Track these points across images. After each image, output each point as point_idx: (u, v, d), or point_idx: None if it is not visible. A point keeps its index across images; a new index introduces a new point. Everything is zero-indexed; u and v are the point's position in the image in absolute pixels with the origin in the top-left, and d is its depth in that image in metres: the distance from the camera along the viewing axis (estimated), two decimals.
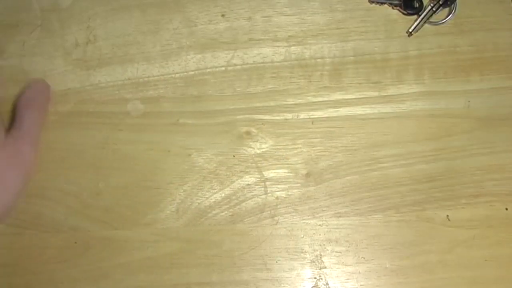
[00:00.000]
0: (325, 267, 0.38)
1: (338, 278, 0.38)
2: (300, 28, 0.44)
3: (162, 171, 0.40)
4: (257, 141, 0.41)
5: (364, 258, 0.38)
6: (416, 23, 0.43)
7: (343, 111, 0.41)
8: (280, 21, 0.44)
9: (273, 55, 0.43)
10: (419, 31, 0.43)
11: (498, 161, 0.40)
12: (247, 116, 0.41)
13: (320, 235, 0.39)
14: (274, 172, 0.40)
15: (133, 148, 0.40)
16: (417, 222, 0.39)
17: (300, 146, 0.41)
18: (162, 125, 0.41)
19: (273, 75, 0.43)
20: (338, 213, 0.39)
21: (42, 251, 0.39)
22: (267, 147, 0.41)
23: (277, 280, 0.38)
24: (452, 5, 0.43)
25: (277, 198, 0.40)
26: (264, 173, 0.39)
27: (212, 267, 0.38)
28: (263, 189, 0.40)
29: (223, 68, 0.43)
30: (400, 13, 0.44)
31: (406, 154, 0.40)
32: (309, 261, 0.38)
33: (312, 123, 0.41)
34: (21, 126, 0.38)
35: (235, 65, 0.43)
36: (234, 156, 0.41)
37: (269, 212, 0.39)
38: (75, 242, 0.39)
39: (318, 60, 0.43)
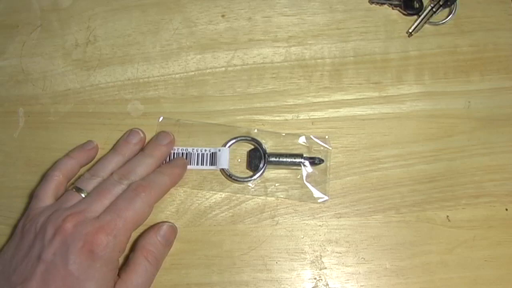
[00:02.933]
0: (325, 268, 0.38)
1: (338, 279, 0.38)
2: (300, 28, 0.44)
3: None
4: None
5: (364, 258, 0.38)
6: (416, 24, 0.43)
7: (343, 111, 0.41)
8: (280, 22, 0.44)
9: (273, 56, 0.43)
10: (419, 32, 0.43)
11: (498, 162, 0.40)
12: (247, 116, 0.41)
13: (320, 235, 0.39)
14: (274, 173, 0.40)
15: None
16: (417, 223, 0.39)
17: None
18: (162, 125, 0.41)
19: (273, 75, 0.43)
20: (338, 213, 0.39)
21: None
22: (267, 147, 0.41)
23: (277, 280, 0.38)
24: (452, 6, 0.43)
25: (277, 198, 0.39)
26: (264, 173, 0.39)
27: (212, 268, 0.38)
28: (263, 189, 0.40)
29: (223, 69, 0.43)
30: (400, 14, 0.44)
31: (406, 154, 0.40)
32: (309, 261, 0.38)
33: (312, 123, 0.41)
34: (135, 278, 0.34)
35: (235, 65, 0.43)
36: (234, 156, 0.41)
37: (269, 212, 0.39)
38: None
39: (318, 60, 0.43)
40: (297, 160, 0.39)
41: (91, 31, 0.44)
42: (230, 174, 0.39)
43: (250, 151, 0.40)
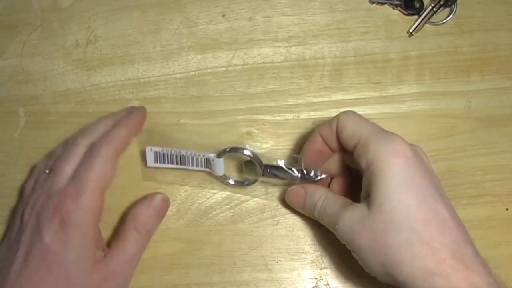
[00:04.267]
0: (326, 268, 0.38)
1: (339, 279, 0.38)
2: (301, 28, 0.44)
3: (163, 171, 0.40)
4: (257, 141, 0.41)
5: None
6: (416, 24, 0.43)
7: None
8: (281, 22, 0.44)
9: (274, 56, 0.43)
10: (419, 32, 0.43)
11: (499, 162, 0.40)
12: (247, 116, 0.41)
13: (321, 235, 0.39)
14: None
15: (133, 148, 0.40)
16: None
17: (300, 146, 0.41)
18: (162, 125, 0.41)
19: (274, 75, 0.43)
20: None
21: None
22: (267, 147, 0.41)
23: (277, 280, 0.38)
24: (453, 6, 0.43)
25: (277, 198, 0.39)
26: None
27: (213, 268, 0.38)
28: (263, 189, 0.40)
29: (224, 69, 0.43)
30: (401, 14, 0.44)
31: None
32: (310, 261, 0.38)
33: (313, 123, 0.41)
34: (124, 251, 0.35)
35: (236, 65, 0.43)
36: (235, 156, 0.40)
37: (269, 212, 0.39)
38: None
39: (319, 60, 0.43)
40: (294, 175, 0.37)
41: (92, 31, 0.44)
42: (226, 180, 0.39)
43: (246, 161, 0.38)
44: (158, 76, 0.43)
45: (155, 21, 0.44)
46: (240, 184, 0.39)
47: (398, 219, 0.28)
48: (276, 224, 0.39)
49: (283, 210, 0.39)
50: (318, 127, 0.35)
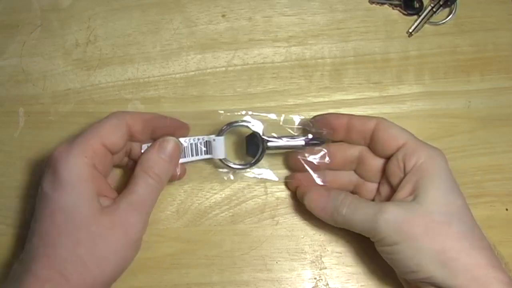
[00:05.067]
0: (326, 268, 0.38)
1: (339, 279, 0.38)
2: (301, 28, 0.44)
3: None
4: None
5: (364, 258, 0.38)
6: (416, 23, 0.43)
7: (344, 111, 0.41)
8: (281, 22, 0.44)
9: (274, 56, 0.43)
10: (419, 31, 0.43)
11: (499, 162, 0.40)
12: (247, 116, 0.41)
13: (320, 235, 0.39)
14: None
15: None
16: None
17: None
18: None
19: (274, 75, 0.43)
20: None
21: None
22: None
23: (277, 280, 0.38)
24: (453, 6, 0.43)
25: (277, 198, 0.39)
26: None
27: (213, 268, 0.38)
28: (263, 189, 0.40)
29: (224, 69, 0.43)
30: (401, 13, 0.44)
31: None
32: (309, 261, 0.38)
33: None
34: (133, 192, 0.33)
35: (236, 65, 0.43)
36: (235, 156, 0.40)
37: (269, 212, 0.39)
38: None
39: (319, 60, 0.43)
40: (298, 142, 0.37)
41: (91, 31, 0.44)
42: (228, 164, 0.38)
43: (247, 136, 0.38)
44: (158, 76, 0.43)
45: (155, 21, 0.44)
46: (244, 166, 0.38)
47: (456, 213, 0.31)
48: (276, 224, 0.39)
49: (282, 210, 0.39)
50: (351, 115, 0.36)
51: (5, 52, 0.44)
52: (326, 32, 0.43)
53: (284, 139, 0.37)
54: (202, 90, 0.42)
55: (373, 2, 0.44)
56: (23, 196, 0.40)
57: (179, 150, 0.36)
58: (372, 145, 0.35)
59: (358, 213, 0.33)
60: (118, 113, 0.34)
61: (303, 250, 0.38)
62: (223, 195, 0.40)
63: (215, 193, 0.40)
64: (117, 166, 0.38)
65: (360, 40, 0.43)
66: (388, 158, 0.35)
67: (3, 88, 0.43)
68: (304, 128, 0.38)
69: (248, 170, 0.39)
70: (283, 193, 0.40)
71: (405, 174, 0.33)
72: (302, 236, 0.39)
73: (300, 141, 0.37)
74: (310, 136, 0.37)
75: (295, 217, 0.39)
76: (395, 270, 0.33)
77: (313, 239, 0.38)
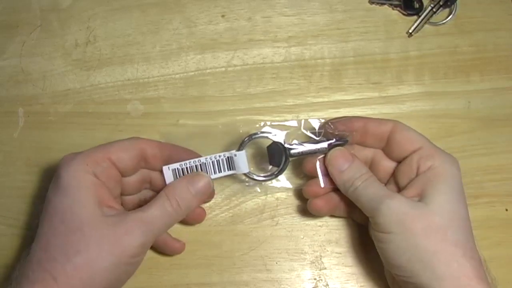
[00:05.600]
0: (325, 268, 0.38)
1: (338, 279, 0.38)
2: (300, 28, 0.44)
3: None
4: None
5: (364, 259, 0.38)
6: (416, 24, 0.43)
7: (343, 111, 0.41)
8: (280, 22, 0.44)
9: (273, 56, 0.43)
10: (419, 32, 0.43)
11: (499, 162, 0.40)
12: (247, 116, 0.41)
13: (320, 236, 0.39)
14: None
15: None
16: None
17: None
18: (162, 125, 0.41)
19: (273, 75, 0.43)
20: None
21: None
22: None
23: (277, 281, 0.38)
24: (452, 6, 0.43)
25: (277, 199, 0.39)
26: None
27: (212, 268, 0.38)
28: (263, 190, 0.40)
29: (223, 69, 0.43)
30: (400, 14, 0.44)
31: None
32: (309, 262, 0.38)
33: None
34: (145, 210, 0.32)
35: (235, 65, 0.43)
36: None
37: (269, 213, 0.39)
38: None
39: (318, 60, 0.43)
40: (322, 146, 0.36)
41: (91, 31, 0.44)
42: (252, 177, 0.37)
43: (268, 146, 0.37)
44: (157, 76, 0.43)
45: (154, 21, 0.44)
46: (269, 177, 0.37)
47: (457, 220, 0.32)
48: (276, 225, 0.39)
49: (282, 210, 0.39)
50: (367, 118, 0.36)
51: (5, 52, 0.44)
52: (326, 32, 0.43)
53: (306, 144, 0.36)
54: (202, 90, 0.42)
55: (373, 3, 0.44)
56: (23, 196, 0.40)
57: (209, 190, 0.35)
58: (387, 147, 0.36)
59: (368, 191, 0.33)
60: (133, 137, 0.35)
61: (303, 250, 0.38)
62: (223, 196, 0.40)
63: (215, 194, 0.40)
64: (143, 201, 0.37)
65: (360, 40, 0.43)
66: (399, 162, 0.35)
67: (3, 88, 0.43)
68: (321, 132, 0.37)
69: (273, 180, 0.37)
70: (283, 193, 0.40)
71: (416, 175, 0.33)
72: (302, 237, 0.39)
73: (323, 145, 0.36)
74: (332, 139, 0.36)
75: (295, 218, 0.39)
76: (383, 262, 0.33)
77: (312, 239, 0.38)
